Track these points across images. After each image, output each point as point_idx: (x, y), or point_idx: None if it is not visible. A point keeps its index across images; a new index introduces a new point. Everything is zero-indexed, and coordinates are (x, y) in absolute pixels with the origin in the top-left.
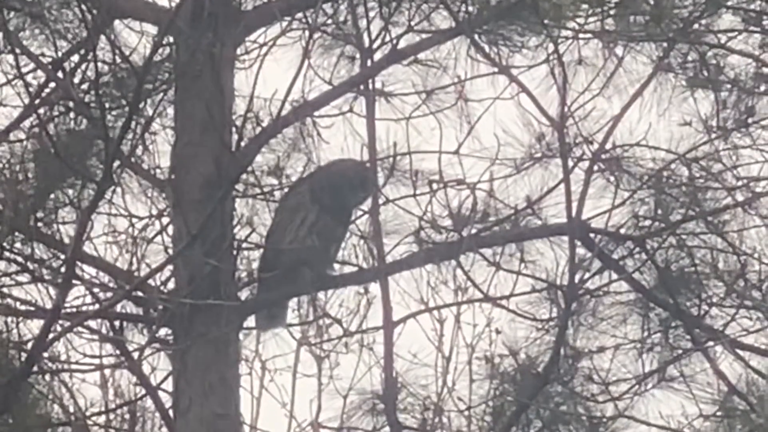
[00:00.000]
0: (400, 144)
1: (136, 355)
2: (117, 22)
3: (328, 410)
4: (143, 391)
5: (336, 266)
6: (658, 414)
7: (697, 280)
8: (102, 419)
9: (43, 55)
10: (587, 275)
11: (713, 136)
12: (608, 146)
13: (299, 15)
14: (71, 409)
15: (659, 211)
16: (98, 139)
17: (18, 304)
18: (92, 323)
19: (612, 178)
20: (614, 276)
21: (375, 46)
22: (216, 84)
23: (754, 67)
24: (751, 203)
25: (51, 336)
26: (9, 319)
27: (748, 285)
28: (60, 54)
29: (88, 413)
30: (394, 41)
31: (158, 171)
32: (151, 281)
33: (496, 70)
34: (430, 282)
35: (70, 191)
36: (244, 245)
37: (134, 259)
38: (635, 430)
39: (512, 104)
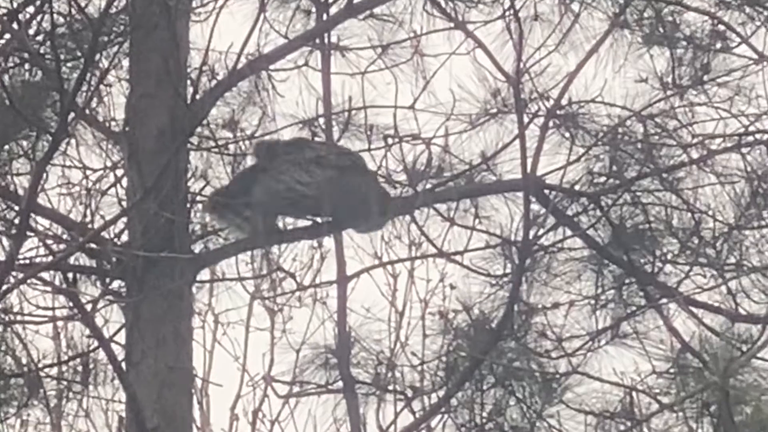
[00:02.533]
0: (356, 98)
1: (89, 307)
2: None
3: (280, 364)
4: (96, 343)
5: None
6: (612, 370)
7: (651, 237)
8: (54, 371)
9: None
10: (541, 231)
11: (669, 93)
12: (564, 102)
13: None
14: (24, 361)
15: (614, 168)
16: (53, 90)
17: None
18: (45, 275)
19: (567, 135)
20: (568, 232)
21: (331, 0)
22: (171, 37)
23: (710, 24)
24: (706, 160)
25: (4, 288)
26: None
27: (702, 242)
28: (15, 5)
29: (40, 365)
30: None
31: (113, 123)
32: (104, 233)
33: (452, 25)
34: (384, 237)
35: (25, 143)
36: (198, 198)
37: (88, 211)
38: (588, 386)
39: (468, 59)
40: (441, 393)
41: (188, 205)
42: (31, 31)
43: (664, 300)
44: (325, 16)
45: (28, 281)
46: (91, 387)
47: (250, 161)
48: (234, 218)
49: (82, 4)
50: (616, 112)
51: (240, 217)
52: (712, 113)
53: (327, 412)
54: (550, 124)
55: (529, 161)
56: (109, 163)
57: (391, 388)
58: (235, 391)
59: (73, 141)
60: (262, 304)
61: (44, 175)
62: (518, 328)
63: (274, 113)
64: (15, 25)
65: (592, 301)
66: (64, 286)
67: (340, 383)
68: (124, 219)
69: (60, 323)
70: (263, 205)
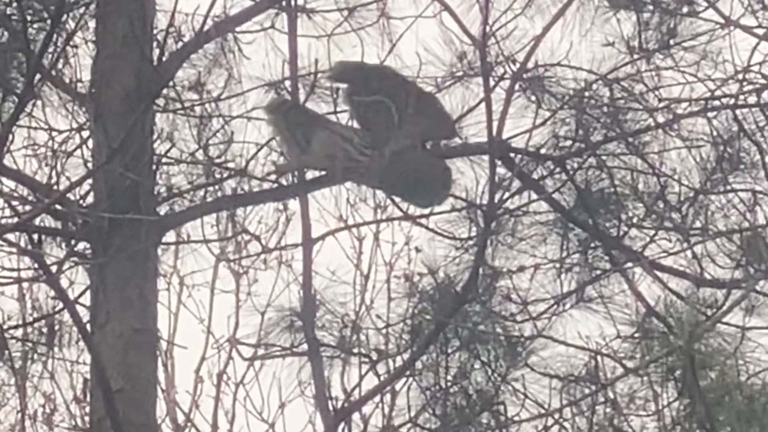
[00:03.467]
0: (322, 61)
1: (54, 268)
2: None
3: (245, 326)
4: (61, 305)
5: None
6: (576, 334)
7: (616, 200)
8: (19, 332)
9: None
10: (507, 195)
11: (635, 57)
12: (530, 66)
13: None
14: None
15: (580, 132)
16: (19, 52)
17: None
18: (11, 236)
19: (533, 98)
20: (534, 196)
21: None
22: None
23: None
24: (672, 125)
25: None
26: None
27: (667, 206)
28: None
29: (5, 326)
30: None
31: (79, 85)
32: (70, 195)
33: None
34: (349, 199)
35: None
36: (164, 160)
37: (54, 173)
38: (553, 350)
39: (434, 22)
40: (406, 356)
41: (154, 167)
42: None
43: (629, 264)
44: None
45: None
46: (56, 349)
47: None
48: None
49: None
50: (583, 76)
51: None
52: (679, 77)
53: (292, 375)
54: (516, 87)
55: (495, 125)
56: (75, 125)
57: (355, 351)
58: (200, 353)
59: (39, 102)
60: (228, 267)
61: (10, 136)
62: (483, 292)
63: (240, 75)
64: None
65: (557, 265)
66: (29, 247)
67: (305, 346)
68: (90, 181)
69: (25, 285)
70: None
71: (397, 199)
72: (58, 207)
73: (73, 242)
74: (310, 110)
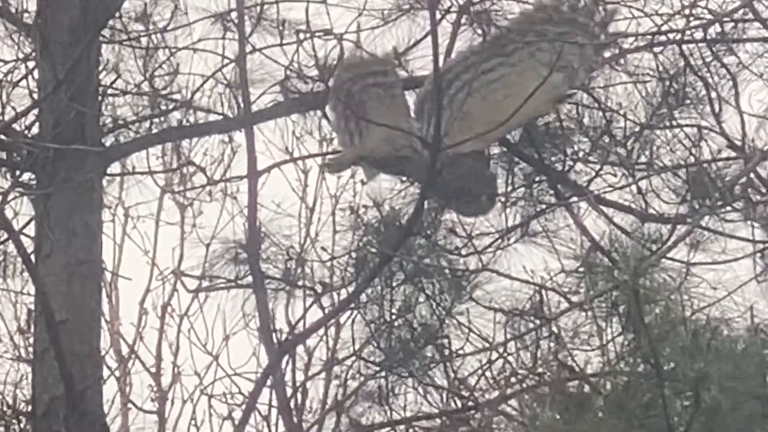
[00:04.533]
0: None
1: None
2: None
3: (190, 258)
4: (5, 236)
5: None
6: (521, 268)
7: (562, 135)
8: None
9: None
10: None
11: None
12: None
13: None
14: None
15: None
16: None
17: None
18: None
19: (480, 32)
20: None
21: None
22: None
23: None
24: (618, 59)
25: None
26: None
27: (613, 141)
28: None
29: None
30: None
31: (25, 15)
32: (15, 125)
33: None
34: (295, 132)
35: None
36: (110, 91)
37: None
38: (498, 284)
39: None
40: (350, 289)
41: (99, 98)
42: None
43: (575, 198)
44: None
45: None
46: (0, 279)
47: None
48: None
49: None
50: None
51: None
52: (625, 12)
53: (236, 307)
54: (463, 20)
55: (441, 58)
56: (20, 55)
57: (300, 283)
58: (145, 285)
59: None
60: (173, 198)
61: None
62: (428, 225)
63: (186, 7)
64: None
65: (502, 199)
66: None
67: (250, 278)
68: (35, 111)
69: None
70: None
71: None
72: (3, 137)
73: (17, 172)
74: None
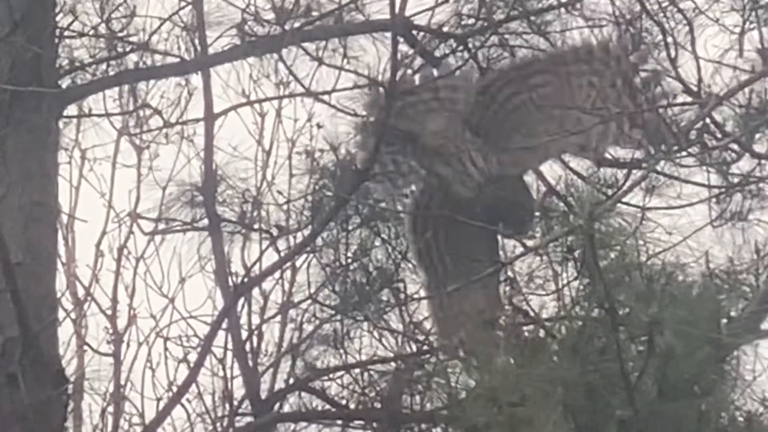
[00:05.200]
0: None
1: None
2: None
3: (146, 201)
4: None
5: None
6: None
7: None
8: None
9: None
10: (409, 72)
11: None
12: None
13: None
14: None
15: (482, 10)
16: None
17: None
18: None
19: None
20: (436, 73)
21: None
22: None
23: None
24: (574, 4)
25: None
26: None
27: None
28: None
29: None
30: None
31: None
32: None
33: None
34: (252, 75)
35: None
36: (67, 33)
37: None
38: None
39: None
40: (306, 232)
41: (56, 40)
42: None
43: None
44: None
45: None
46: None
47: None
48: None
49: None
50: None
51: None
52: None
53: (192, 250)
54: None
55: (398, 1)
56: None
57: (256, 226)
58: (101, 227)
59: None
60: (129, 141)
61: None
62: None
63: None
64: None
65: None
66: None
67: (206, 221)
68: None
69: None
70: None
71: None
72: None
73: None
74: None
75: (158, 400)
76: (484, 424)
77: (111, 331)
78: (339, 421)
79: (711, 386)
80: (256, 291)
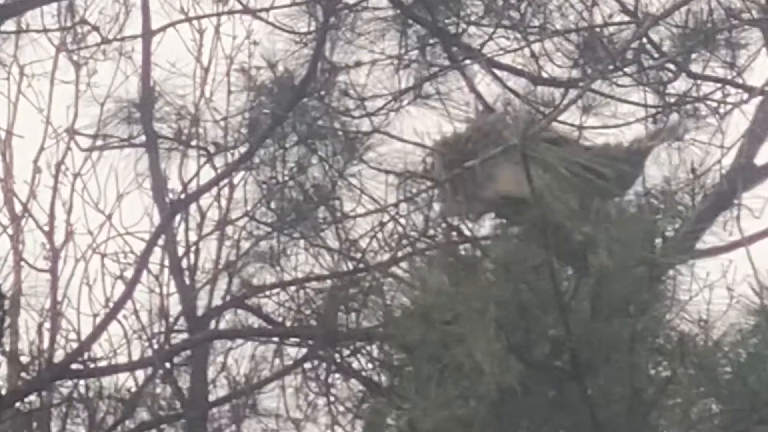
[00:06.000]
0: None
1: None
2: None
3: (84, 117)
4: None
5: None
6: (413, 130)
7: None
8: None
9: None
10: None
11: None
12: None
13: None
14: None
15: None
16: None
17: None
18: None
19: None
20: None
21: None
22: None
23: None
24: None
25: None
26: None
27: (506, 4)
28: None
29: None
30: None
31: None
32: None
33: None
34: None
35: None
36: None
37: None
38: (390, 146)
39: None
40: (243, 149)
41: None
42: None
43: (468, 61)
44: None
45: None
46: None
47: None
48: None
49: None
50: None
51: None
52: None
53: (129, 166)
54: None
55: None
56: None
57: (193, 143)
58: (39, 143)
59: None
60: (67, 57)
61: None
62: (321, 87)
63: None
64: None
65: (396, 61)
66: None
67: (143, 138)
68: None
69: None
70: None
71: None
72: None
73: None
74: None
75: (95, 316)
76: (417, 342)
77: (48, 247)
78: (275, 339)
79: (645, 306)
80: (193, 208)
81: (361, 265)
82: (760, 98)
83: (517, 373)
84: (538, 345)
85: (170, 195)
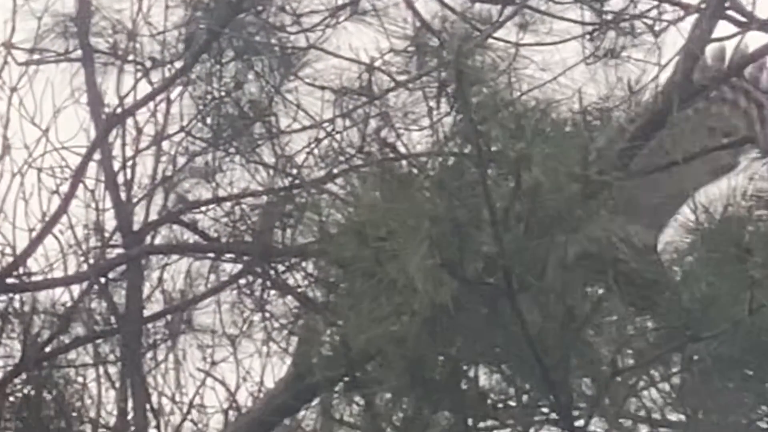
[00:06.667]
0: None
1: None
2: None
3: (21, 31)
4: None
5: None
6: (349, 47)
7: None
8: None
9: None
10: None
11: None
12: None
13: None
14: None
15: None
16: None
17: None
18: None
19: None
20: None
21: None
22: None
23: None
24: None
25: None
26: None
27: None
28: None
29: None
30: None
31: None
32: None
33: None
34: None
35: None
36: None
37: None
38: (327, 62)
39: None
40: (180, 64)
41: None
42: None
43: None
44: None
45: None
46: None
47: None
48: None
49: None
50: None
51: None
52: None
53: (66, 81)
54: None
55: None
56: None
57: (130, 58)
58: None
59: None
60: None
61: None
62: (258, 2)
63: None
64: None
65: None
66: None
67: (80, 52)
68: None
69: None
70: None
71: None
72: None
73: None
74: None
75: (30, 230)
76: (351, 258)
77: None
78: (210, 254)
79: (578, 224)
80: (129, 123)
81: (297, 181)
82: (695, 15)
83: (450, 290)
84: (471, 262)
85: (106, 110)
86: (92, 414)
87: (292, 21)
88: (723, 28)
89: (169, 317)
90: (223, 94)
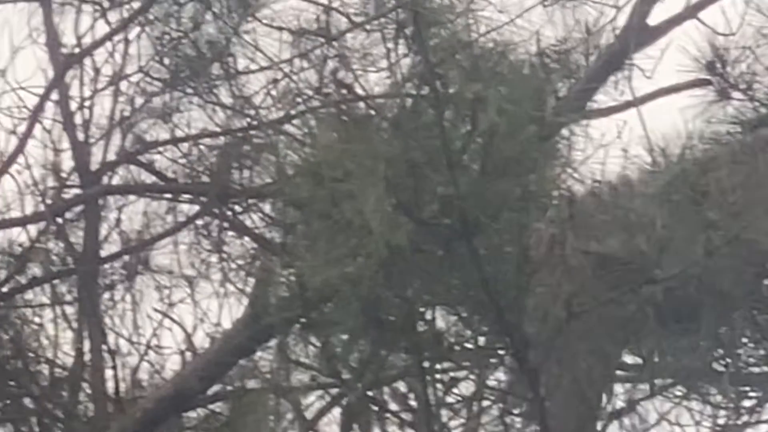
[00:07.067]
0: None
1: None
2: None
3: None
4: None
5: None
6: None
7: None
8: None
9: None
10: None
11: None
12: None
13: None
14: None
15: None
16: None
17: None
18: None
19: None
20: None
21: None
22: None
23: None
24: None
25: None
26: None
27: None
28: None
29: None
30: None
31: None
32: None
33: None
34: None
35: None
36: None
37: None
38: (285, 3)
39: None
40: (138, 4)
41: None
42: None
43: None
44: None
45: None
46: None
47: None
48: None
49: None
50: None
51: None
52: None
53: (23, 20)
54: None
55: None
56: None
57: None
58: None
59: None
60: None
61: None
62: None
63: None
64: None
65: None
66: None
67: None
68: None
69: None
70: None
71: None
72: None
73: None
74: None
75: None
76: (307, 199)
77: None
78: (167, 195)
79: (534, 165)
80: (87, 63)
81: (254, 122)
82: None
83: (405, 231)
84: (427, 203)
85: (64, 50)
86: (49, 354)
87: None
88: None
89: (126, 258)
90: (180, 34)
